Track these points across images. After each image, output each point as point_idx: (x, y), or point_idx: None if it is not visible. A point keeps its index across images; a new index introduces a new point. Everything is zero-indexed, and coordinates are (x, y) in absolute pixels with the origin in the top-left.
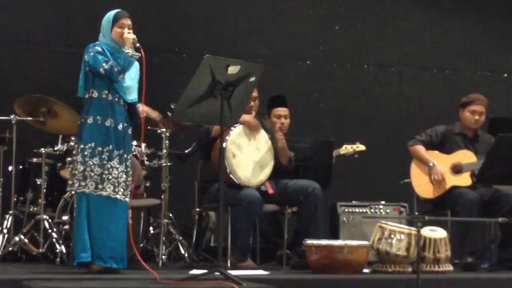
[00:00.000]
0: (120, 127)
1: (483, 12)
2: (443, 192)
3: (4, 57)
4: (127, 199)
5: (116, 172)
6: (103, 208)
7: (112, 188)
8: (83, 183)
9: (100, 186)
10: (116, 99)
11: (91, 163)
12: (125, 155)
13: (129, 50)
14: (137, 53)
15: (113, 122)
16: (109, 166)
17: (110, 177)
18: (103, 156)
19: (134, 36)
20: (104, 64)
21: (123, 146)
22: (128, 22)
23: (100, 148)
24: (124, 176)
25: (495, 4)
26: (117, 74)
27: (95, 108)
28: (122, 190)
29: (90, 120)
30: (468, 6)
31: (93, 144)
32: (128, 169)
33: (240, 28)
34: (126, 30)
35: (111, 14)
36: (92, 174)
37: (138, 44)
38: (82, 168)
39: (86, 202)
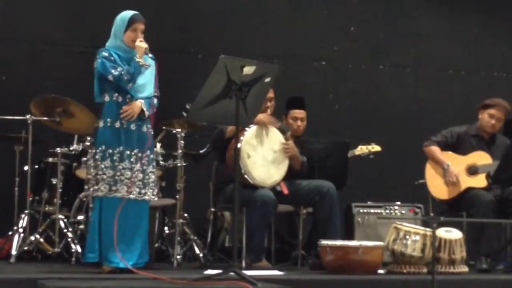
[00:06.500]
0: (132, 127)
1: (498, 13)
2: (458, 193)
3: (20, 57)
4: (145, 198)
5: (129, 172)
6: (115, 210)
7: (125, 189)
8: (96, 187)
9: (114, 188)
10: (127, 100)
11: (103, 166)
12: (140, 154)
13: (140, 60)
14: (148, 64)
15: (124, 123)
16: (120, 167)
17: (123, 178)
18: (114, 158)
19: (146, 46)
20: (112, 71)
21: (137, 145)
22: (141, 27)
23: (110, 150)
24: (141, 175)
25: (510, 5)
26: (126, 82)
27: (107, 112)
28: (137, 189)
29: (101, 124)
30: (483, 7)
31: (103, 147)
32: (145, 167)
33: (256, 29)
34: (139, 36)
35: (126, 15)
36: (104, 177)
37: (151, 55)
38: (94, 172)
39: (99, 204)
